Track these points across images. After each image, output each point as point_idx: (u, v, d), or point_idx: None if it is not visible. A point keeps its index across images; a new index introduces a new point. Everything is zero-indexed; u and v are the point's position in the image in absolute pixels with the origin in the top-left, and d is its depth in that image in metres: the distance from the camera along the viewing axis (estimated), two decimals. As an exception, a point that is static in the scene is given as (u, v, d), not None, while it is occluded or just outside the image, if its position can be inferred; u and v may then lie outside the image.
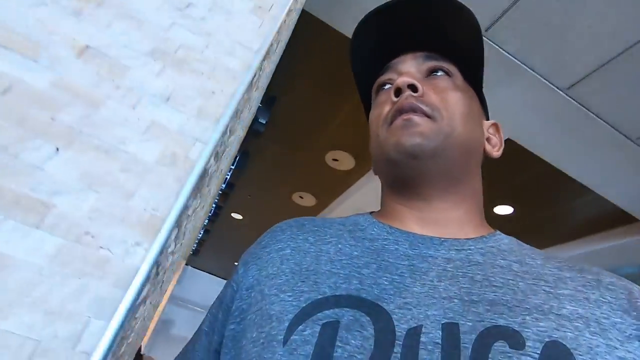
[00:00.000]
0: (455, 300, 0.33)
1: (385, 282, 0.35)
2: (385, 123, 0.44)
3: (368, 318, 0.32)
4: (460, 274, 0.36)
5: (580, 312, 0.32)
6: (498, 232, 0.44)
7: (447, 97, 0.44)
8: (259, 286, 0.40)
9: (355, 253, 0.39)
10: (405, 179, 0.44)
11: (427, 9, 0.46)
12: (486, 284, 0.34)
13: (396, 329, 0.31)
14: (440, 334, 0.30)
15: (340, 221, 0.47)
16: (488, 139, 0.50)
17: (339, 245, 0.41)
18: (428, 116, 0.42)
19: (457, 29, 0.47)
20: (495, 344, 0.29)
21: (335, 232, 0.44)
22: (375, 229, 0.43)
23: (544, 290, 0.34)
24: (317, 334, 0.32)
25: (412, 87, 0.43)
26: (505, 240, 0.42)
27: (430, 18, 0.47)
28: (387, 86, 0.48)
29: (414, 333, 0.31)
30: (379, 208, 0.49)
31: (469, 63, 0.49)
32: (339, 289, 0.35)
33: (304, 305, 0.34)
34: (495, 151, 0.50)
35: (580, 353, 0.28)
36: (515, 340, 0.29)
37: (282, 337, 0.33)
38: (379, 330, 0.31)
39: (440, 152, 0.41)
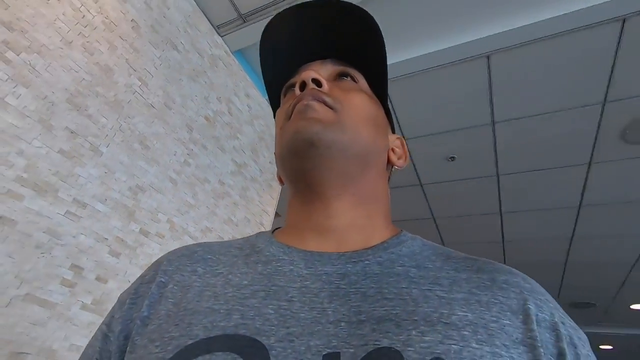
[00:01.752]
0: (342, 324, 0.32)
1: (271, 312, 0.33)
2: (287, 117, 0.43)
3: (241, 359, 0.30)
4: (353, 290, 0.35)
5: (470, 318, 0.31)
6: (404, 233, 0.43)
7: (352, 97, 0.45)
8: (133, 333, 0.36)
9: (245, 282, 0.37)
10: (304, 173, 0.42)
11: (333, 16, 0.47)
12: (378, 297, 0.34)
13: None
14: None
15: (239, 244, 0.45)
16: (393, 150, 0.50)
17: (229, 276, 0.39)
18: (329, 107, 0.42)
19: (364, 40, 0.47)
20: None
21: (229, 259, 0.42)
22: (271, 250, 0.41)
23: (437, 295, 0.34)
24: None
25: (317, 82, 0.43)
26: (408, 242, 0.41)
27: (337, 26, 0.47)
28: (294, 89, 0.47)
29: None
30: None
31: (375, 74, 0.49)
32: (215, 329, 0.32)
33: (170, 356, 0.31)
34: (401, 162, 0.51)
35: None
36: None
37: None
38: None
39: (339, 145, 0.40)
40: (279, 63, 0.50)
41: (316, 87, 0.43)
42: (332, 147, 0.40)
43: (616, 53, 1.50)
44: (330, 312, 0.33)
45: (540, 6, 1.39)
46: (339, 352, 0.29)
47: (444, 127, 2.07)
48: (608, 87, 1.63)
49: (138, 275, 0.44)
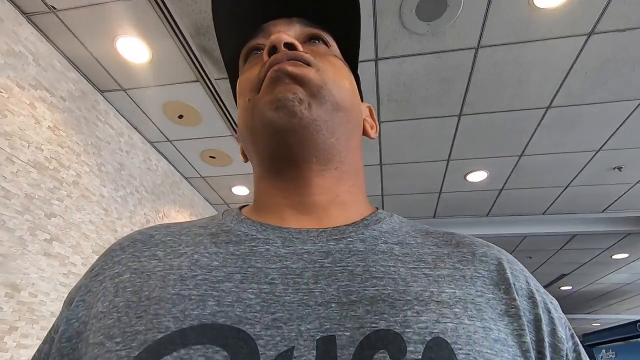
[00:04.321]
0: (333, 305, 0.29)
1: (251, 296, 0.30)
2: (256, 86, 0.38)
3: (225, 353, 0.26)
4: (339, 268, 0.32)
5: (458, 295, 0.31)
6: (380, 210, 0.41)
7: (331, 60, 0.40)
8: (86, 332, 0.31)
9: (216, 263, 0.33)
10: (284, 148, 0.37)
11: None
12: (366, 276, 0.32)
13: (261, 358, 0.26)
14: (315, 353, 0.26)
15: (203, 223, 0.40)
16: (365, 120, 0.47)
17: (195, 256, 0.34)
18: (310, 65, 0.37)
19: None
20: (375, 356, 0.26)
21: (193, 239, 0.36)
22: (243, 228, 0.37)
23: (424, 273, 0.33)
24: None
25: (290, 46, 0.37)
26: (386, 220, 0.39)
27: None
28: (259, 52, 0.42)
29: None
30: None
31: (347, 39, 0.45)
32: (188, 318, 0.28)
33: (137, 353, 0.26)
34: (374, 133, 0.48)
35: (460, 346, 0.27)
36: (397, 347, 0.27)
37: None
38: None
39: (326, 115, 0.37)
40: (236, 21, 0.43)
41: (288, 51, 0.37)
42: (317, 119, 0.36)
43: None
44: (317, 293, 0.30)
45: None
46: (333, 336, 0.28)
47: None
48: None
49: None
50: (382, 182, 3.34)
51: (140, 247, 0.36)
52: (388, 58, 2.04)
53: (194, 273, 0.32)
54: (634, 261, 5.04)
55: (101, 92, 2.34)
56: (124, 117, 2.56)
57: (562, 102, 2.32)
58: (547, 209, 3.72)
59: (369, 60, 2.06)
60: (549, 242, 4.55)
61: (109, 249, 0.38)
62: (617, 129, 2.53)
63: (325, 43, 0.43)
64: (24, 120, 1.82)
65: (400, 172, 3.16)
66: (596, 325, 9.08)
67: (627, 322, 6.34)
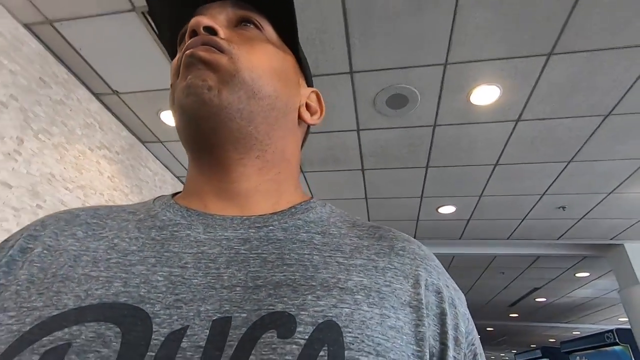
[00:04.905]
0: (238, 289, 0.30)
1: (160, 279, 0.30)
2: (176, 71, 0.38)
3: (118, 330, 0.26)
4: (253, 256, 0.33)
5: (365, 283, 0.32)
6: (313, 200, 0.42)
7: (255, 45, 0.40)
8: None
9: (134, 247, 0.33)
10: (199, 136, 0.38)
11: None
12: (278, 263, 0.32)
13: (153, 335, 0.26)
14: (207, 333, 0.27)
15: (134, 208, 0.40)
16: (307, 106, 0.46)
17: (115, 240, 0.34)
18: (221, 51, 0.36)
19: None
20: (263, 336, 0.26)
21: (118, 223, 0.37)
22: (168, 213, 0.37)
23: (337, 262, 0.33)
24: None
25: (209, 30, 0.37)
26: (317, 209, 0.40)
27: None
28: None
29: (175, 338, 0.26)
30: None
31: (282, 20, 0.43)
32: (90, 297, 0.28)
33: (28, 328, 0.26)
34: (315, 119, 0.47)
35: (350, 330, 0.28)
36: (287, 328, 0.27)
37: None
38: (128, 343, 0.26)
39: (237, 104, 0.36)
40: (171, 8, 0.42)
41: (210, 35, 0.37)
42: (228, 107, 0.36)
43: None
44: (225, 277, 0.31)
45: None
46: (230, 317, 0.28)
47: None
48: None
49: None
50: (367, 212, 3.96)
51: (62, 225, 0.36)
52: (366, 129, 2.67)
53: (108, 256, 0.32)
54: (595, 279, 5.65)
55: (143, 143, 2.98)
56: (159, 160, 3.21)
57: (507, 161, 2.94)
58: (510, 235, 4.33)
59: (352, 130, 2.69)
60: (517, 261, 5.17)
61: (31, 223, 0.37)
62: (553, 181, 3.16)
63: (258, 27, 0.42)
64: (92, 174, 2.46)
65: (382, 204, 3.79)
66: (576, 333, 9.74)
67: (598, 332, 6.95)
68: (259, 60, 0.39)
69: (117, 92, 2.45)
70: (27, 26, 1.93)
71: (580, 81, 2.12)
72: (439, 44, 1.94)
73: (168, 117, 2.66)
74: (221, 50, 0.37)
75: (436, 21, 1.82)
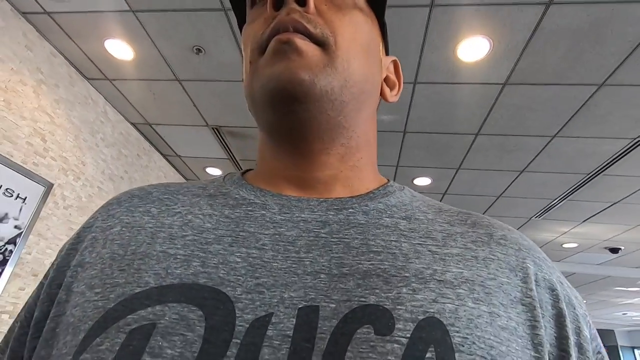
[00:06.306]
0: (322, 276, 0.28)
1: (238, 259, 0.29)
2: (258, 47, 0.35)
3: (200, 313, 0.26)
4: (335, 240, 0.31)
5: (466, 275, 0.29)
6: (391, 183, 0.39)
7: (347, 19, 0.36)
8: (72, 280, 0.31)
9: (208, 225, 0.32)
10: (284, 128, 0.35)
11: None
12: (363, 250, 0.30)
13: (237, 322, 0.25)
14: (294, 322, 0.25)
15: (203, 184, 0.39)
16: (386, 79, 0.42)
17: (189, 216, 0.33)
18: (317, 42, 0.33)
19: None
20: (358, 331, 0.25)
21: (189, 199, 0.36)
22: (241, 192, 0.36)
23: (429, 250, 0.31)
24: (119, 347, 0.24)
25: (299, 0, 0.33)
26: (396, 193, 0.37)
27: None
28: None
29: (260, 325, 0.25)
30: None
31: None
32: (170, 276, 0.28)
33: (112, 305, 0.27)
34: (393, 95, 0.43)
35: (458, 329, 0.25)
36: (384, 324, 0.25)
37: (71, 357, 0.25)
38: (211, 328, 0.25)
39: (330, 95, 0.33)
40: None
41: (298, 8, 0.33)
42: (321, 100, 0.33)
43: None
44: (307, 263, 0.29)
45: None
46: (317, 306, 0.26)
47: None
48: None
49: None
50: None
51: (136, 202, 0.36)
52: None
53: (184, 233, 0.31)
54: (581, 251, 5.69)
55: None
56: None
57: (489, 131, 2.72)
58: (485, 212, 4.22)
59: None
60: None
61: (107, 202, 0.38)
62: (535, 157, 2.98)
63: None
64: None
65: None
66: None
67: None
68: (353, 41, 0.35)
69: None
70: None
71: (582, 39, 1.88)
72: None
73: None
74: (316, 40, 0.33)
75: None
